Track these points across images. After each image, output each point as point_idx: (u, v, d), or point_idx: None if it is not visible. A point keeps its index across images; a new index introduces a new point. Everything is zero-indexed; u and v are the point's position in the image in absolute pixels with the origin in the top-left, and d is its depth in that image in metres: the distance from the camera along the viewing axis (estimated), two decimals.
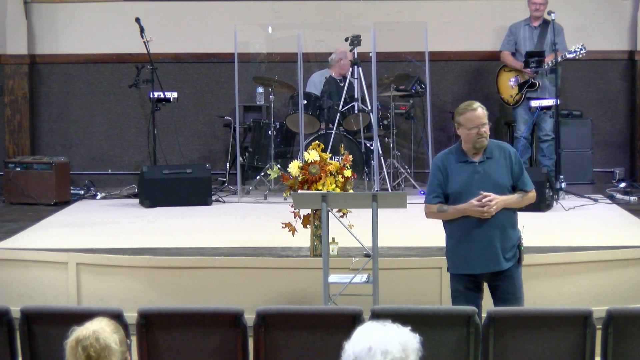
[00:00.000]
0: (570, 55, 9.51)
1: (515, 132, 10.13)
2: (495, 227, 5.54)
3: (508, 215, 5.59)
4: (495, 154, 5.63)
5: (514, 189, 5.63)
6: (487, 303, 5.96)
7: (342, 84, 10.03)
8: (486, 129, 5.57)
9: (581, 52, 9.47)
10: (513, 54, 10.09)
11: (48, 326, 4.92)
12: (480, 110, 5.57)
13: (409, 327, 3.10)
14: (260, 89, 10.48)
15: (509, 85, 10.07)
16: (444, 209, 5.64)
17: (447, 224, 5.73)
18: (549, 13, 9.57)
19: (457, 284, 5.69)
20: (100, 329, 3.48)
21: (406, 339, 3.07)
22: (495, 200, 5.48)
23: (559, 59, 9.51)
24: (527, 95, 9.88)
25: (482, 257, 5.56)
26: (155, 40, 9.80)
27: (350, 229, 6.21)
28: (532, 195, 5.68)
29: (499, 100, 10.28)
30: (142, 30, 9.75)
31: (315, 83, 10.17)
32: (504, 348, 4.87)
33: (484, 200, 5.48)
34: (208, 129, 10.89)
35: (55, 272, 6.91)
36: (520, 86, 9.94)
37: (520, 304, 5.63)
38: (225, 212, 8.99)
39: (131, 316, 4.85)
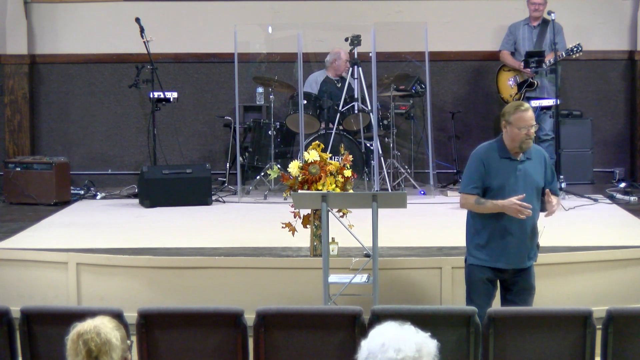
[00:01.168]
0: (567, 54, 9.51)
1: None
2: (529, 226, 5.71)
3: (537, 216, 5.78)
4: (534, 155, 5.78)
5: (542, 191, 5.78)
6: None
7: (339, 85, 10.03)
8: (534, 131, 5.69)
9: (578, 51, 9.47)
10: (512, 54, 10.10)
11: (48, 326, 4.92)
12: (531, 112, 5.70)
13: (429, 333, 3.12)
14: (260, 89, 10.48)
15: (508, 84, 10.07)
16: (481, 202, 5.71)
17: (481, 216, 5.77)
18: (549, 13, 9.57)
19: (480, 274, 5.77)
20: (102, 324, 3.49)
21: (422, 342, 3.09)
22: (555, 204, 5.67)
23: (557, 58, 9.51)
24: (527, 94, 9.88)
25: (515, 254, 5.72)
26: (155, 40, 9.80)
27: (350, 229, 6.21)
28: (559, 199, 5.89)
29: (499, 99, 10.28)
30: (142, 30, 9.74)
31: (312, 84, 10.18)
32: (504, 348, 4.88)
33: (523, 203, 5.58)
34: (208, 129, 10.89)
35: (55, 272, 6.91)
36: (520, 86, 9.94)
37: (530, 300, 5.80)
38: (225, 212, 8.99)
39: (131, 316, 4.86)
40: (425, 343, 3.08)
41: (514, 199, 5.57)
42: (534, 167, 5.75)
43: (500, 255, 5.72)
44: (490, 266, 5.75)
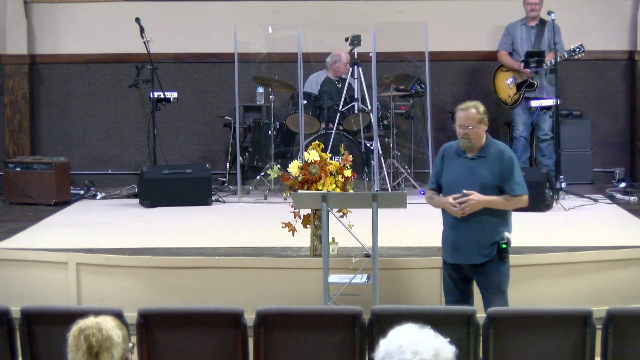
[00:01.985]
0: (569, 55, 9.52)
1: (514, 132, 10.12)
2: (475, 222, 5.75)
3: (491, 213, 5.77)
4: (490, 154, 5.81)
5: (503, 191, 5.81)
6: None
7: (339, 85, 10.03)
8: (469, 132, 5.76)
9: (580, 52, 9.47)
10: (510, 54, 10.09)
11: (48, 326, 4.92)
12: (466, 113, 5.78)
13: (448, 339, 3.12)
14: (260, 89, 10.48)
15: (506, 85, 10.06)
16: (432, 197, 5.96)
17: (442, 211, 5.96)
18: (549, 13, 9.56)
19: (445, 270, 5.99)
20: (104, 321, 3.50)
21: (440, 346, 3.09)
22: (473, 202, 5.69)
23: (558, 58, 9.51)
24: (526, 95, 9.88)
25: (460, 249, 5.82)
26: (155, 40, 9.80)
27: (350, 229, 6.21)
28: (520, 199, 5.84)
29: (496, 100, 10.27)
30: (142, 30, 9.74)
31: (311, 84, 10.18)
32: (504, 348, 4.88)
33: (461, 199, 5.71)
34: (208, 129, 10.89)
35: (55, 272, 6.91)
36: (519, 86, 9.94)
37: (495, 300, 5.76)
38: (225, 212, 8.99)
39: (131, 316, 4.85)
40: (444, 348, 3.09)
41: (449, 198, 5.75)
42: (486, 165, 5.79)
43: (450, 250, 5.89)
44: (447, 261, 5.91)
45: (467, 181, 5.76)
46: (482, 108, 5.84)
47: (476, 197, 5.69)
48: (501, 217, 5.82)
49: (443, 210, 5.91)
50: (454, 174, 5.83)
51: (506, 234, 5.79)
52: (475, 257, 5.78)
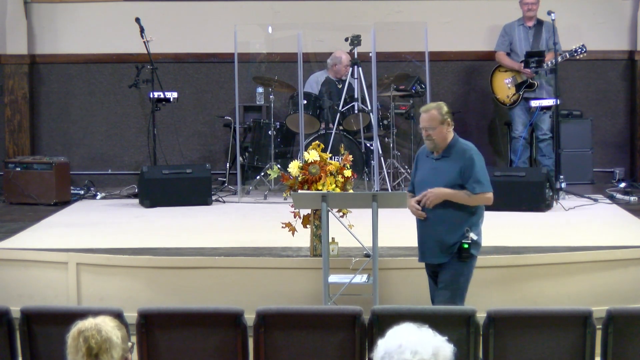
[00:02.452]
0: (571, 56, 9.52)
1: (513, 133, 10.12)
2: (437, 222, 5.82)
3: (456, 213, 5.82)
4: (454, 154, 5.88)
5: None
6: (488, 303, 5.96)
7: (339, 86, 10.03)
8: (431, 133, 5.83)
9: (582, 52, 9.47)
10: (508, 54, 10.09)
11: (48, 326, 4.92)
12: (428, 114, 5.86)
13: (446, 337, 3.12)
14: (260, 89, 10.48)
15: (504, 85, 10.06)
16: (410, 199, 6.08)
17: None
18: (549, 13, 9.56)
19: (425, 269, 6.05)
20: (103, 322, 3.50)
21: (439, 345, 3.09)
22: (431, 195, 5.78)
23: (559, 59, 9.51)
24: (525, 95, 9.88)
25: (426, 248, 5.92)
26: (155, 40, 9.80)
27: (350, 229, 6.21)
28: (483, 197, 5.86)
29: (494, 100, 10.27)
30: (142, 30, 9.74)
31: (312, 84, 10.18)
32: (504, 348, 4.88)
33: (418, 198, 5.83)
34: (208, 129, 10.89)
35: (55, 272, 6.91)
36: (518, 86, 9.94)
37: (440, 296, 5.84)
38: (225, 212, 8.99)
39: (131, 316, 4.86)
40: (442, 347, 3.09)
41: (411, 200, 5.90)
42: (448, 165, 5.86)
43: (420, 249, 5.97)
44: (420, 260, 5.99)
45: (432, 181, 5.84)
46: (444, 109, 5.88)
47: (435, 190, 5.77)
48: (467, 218, 5.84)
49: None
50: (422, 175, 5.94)
51: (471, 235, 5.80)
52: (438, 257, 5.85)
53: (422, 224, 5.90)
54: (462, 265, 5.83)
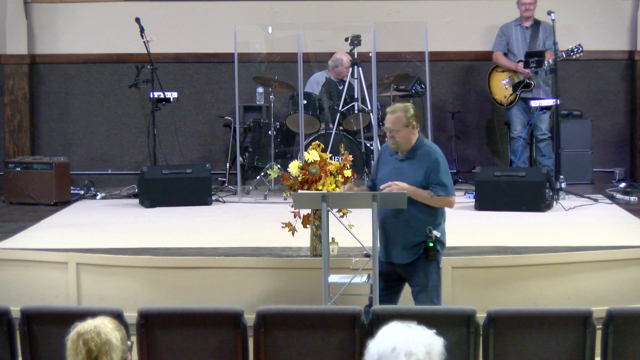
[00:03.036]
0: (567, 55, 9.52)
1: (511, 133, 10.12)
2: (404, 221, 5.82)
3: (420, 212, 5.82)
4: (419, 155, 5.90)
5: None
6: (488, 303, 5.96)
7: (340, 87, 10.03)
8: (395, 135, 5.86)
9: (578, 51, 9.47)
10: (505, 55, 10.10)
11: (48, 326, 4.92)
12: (394, 116, 5.88)
13: (434, 330, 3.12)
14: (260, 89, 10.48)
15: (502, 85, 10.06)
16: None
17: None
18: (549, 13, 9.56)
19: (380, 266, 5.91)
20: (102, 324, 3.50)
21: (431, 342, 3.09)
22: (396, 187, 5.76)
23: (557, 58, 9.51)
24: (522, 95, 9.89)
25: (391, 248, 5.89)
26: (155, 40, 9.80)
27: (350, 229, 6.21)
28: (445, 200, 5.88)
29: (491, 101, 10.27)
30: (142, 30, 9.74)
31: (312, 85, 10.18)
32: (504, 348, 4.88)
33: (383, 186, 5.81)
34: (208, 129, 10.89)
35: (55, 272, 6.91)
36: (515, 86, 9.94)
37: (422, 298, 5.84)
38: (225, 212, 8.99)
39: (131, 316, 4.86)
40: (434, 343, 3.10)
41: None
42: (412, 166, 5.89)
43: (382, 249, 5.94)
44: (381, 258, 5.93)
45: (394, 180, 5.84)
46: (411, 112, 5.90)
47: (400, 183, 5.78)
48: (430, 217, 5.87)
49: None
50: (385, 173, 5.95)
51: (435, 233, 5.83)
52: (403, 256, 5.85)
53: (385, 223, 5.88)
54: (430, 264, 5.87)
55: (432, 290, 5.89)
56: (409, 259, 5.86)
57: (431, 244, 5.81)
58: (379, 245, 5.85)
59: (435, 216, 5.90)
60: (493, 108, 10.62)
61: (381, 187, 5.84)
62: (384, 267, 5.93)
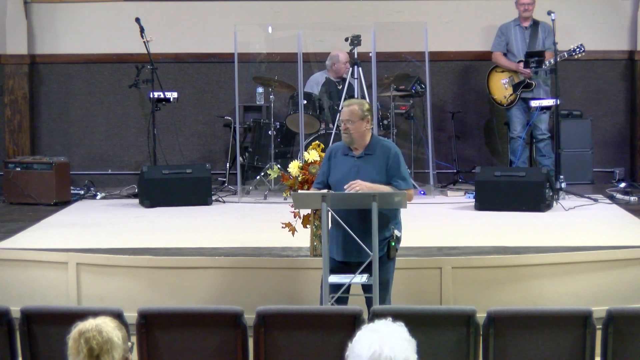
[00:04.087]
0: (569, 55, 9.53)
1: (511, 133, 10.13)
2: (364, 219, 5.75)
3: (379, 211, 5.75)
4: (377, 151, 5.94)
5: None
6: (488, 303, 5.96)
7: (340, 87, 10.04)
8: (350, 127, 5.88)
9: (580, 51, 9.48)
10: (504, 55, 10.10)
11: (48, 326, 4.92)
12: (349, 109, 5.92)
13: (400, 322, 3.14)
14: (260, 89, 10.48)
15: (501, 85, 10.06)
16: None
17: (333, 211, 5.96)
18: (549, 13, 9.57)
19: (331, 266, 5.88)
20: (104, 323, 3.50)
21: (404, 337, 3.10)
22: (357, 187, 5.74)
23: (558, 58, 9.51)
24: (522, 95, 9.89)
25: (345, 246, 5.83)
26: (155, 40, 9.80)
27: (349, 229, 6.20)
28: (408, 193, 5.89)
29: (490, 101, 10.28)
30: (142, 30, 9.74)
31: (312, 85, 10.18)
32: (504, 348, 4.88)
33: (346, 186, 5.78)
34: (208, 129, 10.89)
35: (55, 272, 6.91)
36: (515, 87, 9.94)
37: (384, 296, 5.80)
38: (225, 212, 8.99)
39: (131, 316, 4.86)
40: (408, 340, 3.12)
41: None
42: (372, 163, 5.91)
43: (337, 247, 5.89)
44: (333, 258, 5.89)
45: (354, 179, 5.84)
46: (366, 106, 5.96)
47: (360, 183, 5.76)
48: (392, 213, 5.88)
49: (333, 210, 5.90)
50: (342, 172, 5.93)
51: (396, 232, 5.86)
52: (360, 255, 5.79)
53: (351, 223, 5.79)
54: (389, 262, 5.89)
55: (388, 289, 5.90)
56: (367, 258, 5.78)
57: (393, 243, 5.84)
58: (327, 244, 5.78)
59: (396, 212, 5.92)
60: (492, 108, 10.62)
61: (345, 187, 5.80)
62: (339, 268, 5.89)
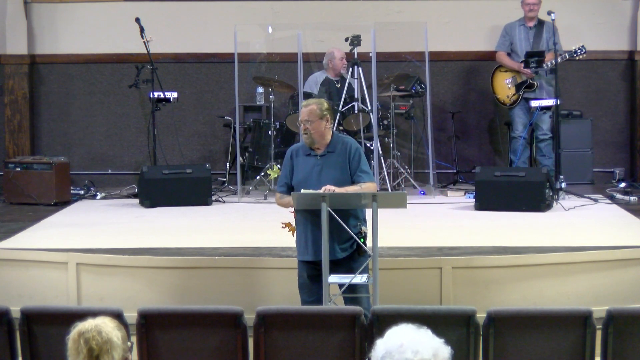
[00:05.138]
0: (571, 56, 9.53)
1: (513, 132, 10.14)
2: (332, 218, 5.73)
3: (348, 209, 5.81)
4: (338, 148, 5.97)
5: (353, 183, 5.94)
6: (488, 303, 5.96)
7: (339, 85, 10.04)
8: (309, 127, 5.92)
9: (581, 53, 9.48)
10: (508, 54, 10.10)
11: (48, 326, 4.93)
12: (308, 109, 5.96)
13: (443, 340, 3.14)
14: (260, 89, 10.48)
15: (505, 85, 10.07)
16: (282, 198, 6.07)
17: (297, 212, 6.01)
18: (549, 13, 9.57)
19: (301, 270, 5.97)
20: (103, 323, 3.50)
21: (438, 347, 3.12)
22: (329, 189, 5.75)
23: (559, 59, 9.51)
24: (525, 95, 9.89)
25: (319, 246, 5.77)
26: (155, 40, 9.80)
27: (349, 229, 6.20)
28: (370, 186, 5.95)
29: (494, 101, 10.28)
30: (142, 30, 9.74)
31: (311, 85, 10.18)
32: (504, 348, 4.88)
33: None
34: (208, 129, 10.89)
35: (55, 272, 6.91)
36: (518, 86, 9.94)
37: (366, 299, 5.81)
38: (225, 212, 8.99)
39: (131, 316, 4.86)
40: (441, 348, 3.12)
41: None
42: (334, 160, 5.94)
43: (308, 247, 5.89)
44: (306, 260, 5.90)
45: (317, 178, 5.88)
46: (325, 105, 6.00)
47: (330, 188, 5.76)
48: (359, 212, 5.90)
49: (297, 211, 5.95)
50: (305, 173, 5.96)
51: (363, 228, 5.87)
52: (335, 253, 5.81)
53: (313, 221, 5.82)
54: (362, 258, 5.90)
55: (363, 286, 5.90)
56: (342, 255, 5.84)
57: (362, 240, 5.84)
58: (327, 244, 5.74)
59: (362, 209, 5.94)
60: (493, 108, 10.62)
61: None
62: (309, 271, 5.90)
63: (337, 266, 5.84)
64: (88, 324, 3.48)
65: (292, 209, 6.59)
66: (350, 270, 5.85)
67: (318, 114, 5.93)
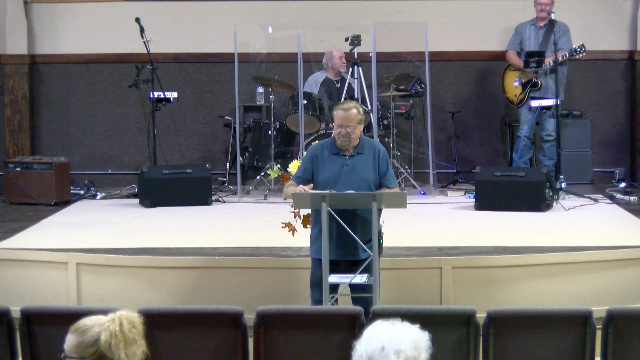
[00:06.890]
0: (570, 55, 9.54)
1: (518, 132, 10.16)
2: (355, 218, 5.79)
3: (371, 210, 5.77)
4: (366, 150, 5.98)
5: (380, 185, 5.96)
6: (488, 303, 5.96)
7: (339, 85, 10.04)
8: (351, 131, 5.89)
9: (581, 51, 9.48)
10: (518, 54, 10.12)
11: (48, 326, 4.92)
12: (348, 113, 5.90)
13: (418, 325, 3.12)
14: (260, 89, 10.48)
15: (513, 84, 10.09)
16: (287, 185, 6.09)
17: (314, 210, 5.97)
18: (549, 13, 9.58)
19: (316, 268, 5.89)
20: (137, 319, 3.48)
21: (417, 337, 3.10)
22: None
23: (559, 58, 9.52)
24: (531, 94, 9.91)
25: (341, 245, 5.79)
26: (155, 40, 9.80)
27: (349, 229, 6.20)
28: (396, 190, 6.02)
29: (504, 99, 10.31)
30: (142, 30, 9.74)
31: (311, 84, 10.18)
32: (504, 348, 4.88)
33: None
34: (208, 129, 10.89)
35: (55, 272, 6.91)
36: (524, 85, 9.96)
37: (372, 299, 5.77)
38: (225, 212, 8.99)
39: None
40: (420, 338, 3.10)
41: (301, 186, 5.82)
42: (364, 161, 5.95)
43: (335, 247, 5.81)
44: (320, 258, 5.79)
45: (346, 178, 5.88)
46: (362, 109, 6.02)
47: None
48: (380, 213, 5.88)
49: (315, 210, 5.89)
50: (333, 172, 5.93)
51: (382, 230, 5.87)
52: (359, 253, 5.81)
53: (336, 221, 5.75)
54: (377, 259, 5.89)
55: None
56: (365, 255, 5.80)
57: (381, 241, 5.84)
58: (327, 244, 5.74)
59: (381, 210, 5.93)
60: (496, 107, 10.62)
61: None
62: (329, 270, 5.83)
63: (356, 266, 5.82)
64: (126, 311, 3.46)
65: (294, 209, 6.61)
66: (368, 270, 5.82)
67: (358, 119, 5.93)
